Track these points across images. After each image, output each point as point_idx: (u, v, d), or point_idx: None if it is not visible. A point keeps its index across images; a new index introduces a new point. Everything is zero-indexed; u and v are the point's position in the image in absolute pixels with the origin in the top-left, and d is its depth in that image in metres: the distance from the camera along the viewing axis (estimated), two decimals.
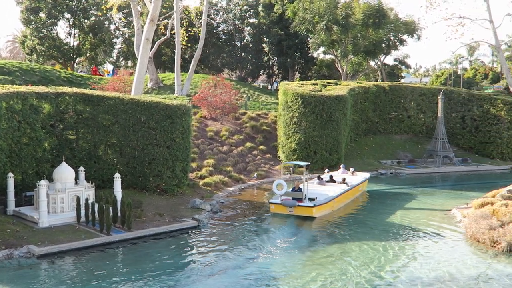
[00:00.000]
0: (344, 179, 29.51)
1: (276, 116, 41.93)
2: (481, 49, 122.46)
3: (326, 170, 32.79)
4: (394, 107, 46.68)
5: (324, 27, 57.78)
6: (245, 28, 75.44)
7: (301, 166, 31.00)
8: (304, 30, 61.88)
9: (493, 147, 44.77)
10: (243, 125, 42.01)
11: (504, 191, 25.37)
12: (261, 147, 39.20)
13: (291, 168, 35.38)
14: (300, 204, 24.83)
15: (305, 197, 25.27)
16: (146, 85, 54.28)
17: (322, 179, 29.41)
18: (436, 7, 53.67)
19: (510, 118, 44.24)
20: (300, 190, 25.63)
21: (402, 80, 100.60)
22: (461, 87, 71.43)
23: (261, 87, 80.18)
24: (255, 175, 34.36)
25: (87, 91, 27.60)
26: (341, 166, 33.46)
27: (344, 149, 38.85)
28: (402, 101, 46.94)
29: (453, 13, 52.17)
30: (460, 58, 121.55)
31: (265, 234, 22.07)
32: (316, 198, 25.63)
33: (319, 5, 57.63)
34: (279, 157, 38.07)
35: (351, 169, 32.84)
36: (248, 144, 38.86)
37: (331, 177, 29.95)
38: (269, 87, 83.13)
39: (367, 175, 33.18)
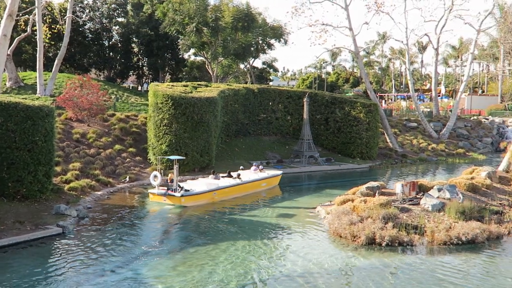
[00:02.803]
0: (239, 175, 31.99)
1: (146, 118, 41.19)
2: (342, 55, 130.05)
3: (241, 167, 35.39)
4: (263, 109, 47.98)
5: (194, 29, 58.01)
6: (113, 27, 73.31)
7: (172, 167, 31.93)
8: (174, 31, 61.68)
9: (353, 147, 47.67)
10: (111, 127, 40.75)
11: (363, 188, 27.11)
12: (130, 149, 38.30)
13: (162, 170, 34.97)
14: (171, 193, 27.70)
15: (182, 188, 28.12)
16: (5, 84, 50.80)
17: (216, 174, 31.65)
18: (301, 14, 55.85)
19: (368, 120, 47.40)
20: (172, 181, 28.26)
21: (271, 83, 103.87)
22: (325, 91, 75.39)
23: (130, 88, 78.47)
24: (127, 178, 33.48)
25: None
26: (254, 163, 36.98)
27: (215, 150, 39.20)
28: (270, 103, 48.41)
29: (317, 20, 54.57)
30: (324, 62, 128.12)
31: (135, 238, 21.59)
32: (191, 189, 28.39)
33: (189, 6, 57.70)
34: (149, 159, 37.46)
35: (260, 167, 35.25)
36: (117, 147, 37.78)
37: (228, 172, 32.50)
38: (139, 88, 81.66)
39: (276, 172, 35.88)
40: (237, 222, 24.67)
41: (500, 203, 26.55)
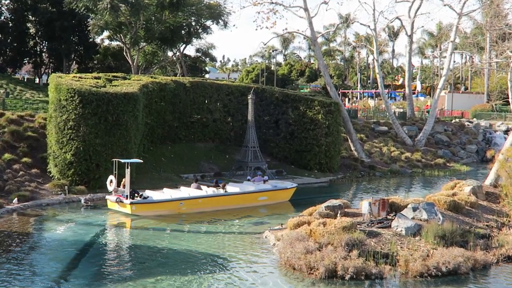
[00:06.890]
0: (224, 185, 34.30)
1: (45, 119, 40.28)
2: (296, 42, 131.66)
3: (248, 178, 38.92)
4: (197, 108, 47.71)
5: (109, 6, 57.22)
6: (2, 1, 71.52)
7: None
8: (83, 9, 60.67)
9: (310, 156, 48.10)
10: None
11: (321, 208, 27.14)
12: (25, 159, 37.35)
13: (66, 187, 34.35)
14: (122, 200, 30.57)
15: (141, 195, 31.14)
16: None
17: (198, 182, 35.12)
18: None
19: (328, 123, 47.90)
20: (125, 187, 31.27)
21: (207, 76, 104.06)
22: (275, 86, 75.95)
23: (25, 80, 76.82)
24: (15, 199, 32.32)
25: None
26: (258, 173, 39.35)
27: None
28: (206, 101, 48.22)
29: None
30: (273, 51, 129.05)
31: (30, 274, 20.89)
32: (148, 197, 31.48)
33: None
34: (49, 172, 36.64)
35: (265, 177, 37.72)
36: (7, 156, 36.74)
37: (216, 182, 35.76)
38: (37, 80, 79.97)
39: (285, 184, 37.58)
40: (167, 249, 24.35)
41: (487, 225, 27.37)
